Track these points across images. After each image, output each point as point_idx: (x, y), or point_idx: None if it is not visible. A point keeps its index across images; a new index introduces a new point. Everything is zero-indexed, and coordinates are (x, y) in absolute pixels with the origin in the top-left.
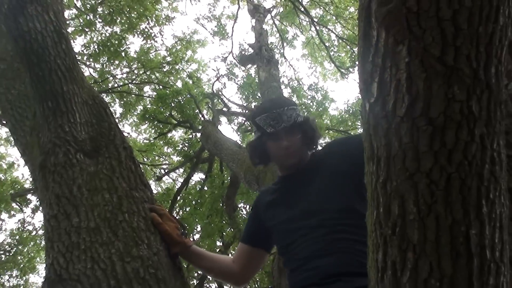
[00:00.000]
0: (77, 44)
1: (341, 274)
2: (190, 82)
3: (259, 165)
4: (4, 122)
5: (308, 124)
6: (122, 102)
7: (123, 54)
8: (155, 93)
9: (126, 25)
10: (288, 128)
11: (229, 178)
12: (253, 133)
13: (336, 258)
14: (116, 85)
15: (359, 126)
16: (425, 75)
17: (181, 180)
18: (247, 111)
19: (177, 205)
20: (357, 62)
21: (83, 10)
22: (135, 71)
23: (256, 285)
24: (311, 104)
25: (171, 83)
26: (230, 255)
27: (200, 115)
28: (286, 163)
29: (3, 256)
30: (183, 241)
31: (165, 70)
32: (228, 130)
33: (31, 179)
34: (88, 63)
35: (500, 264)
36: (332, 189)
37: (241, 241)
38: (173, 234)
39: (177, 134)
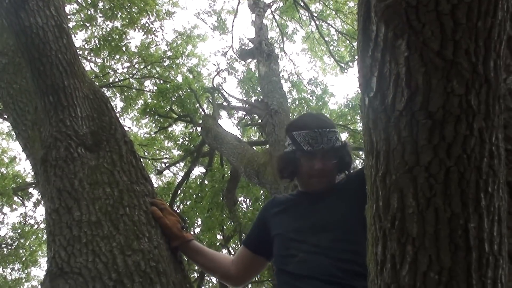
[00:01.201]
0: (78, 39)
1: None
2: (191, 76)
3: (285, 179)
4: (6, 116)
5: (346, 150)
6: (123, 97)
7: (123, 48)
8: (155, 88)
9: (127, 20)
10: (325, 151)
11: (229, 172)
12: (286, 144)
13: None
14: (116, 79)
15: (359, 120)
16: (424, 69)
17: (181, 174)
18: (247, 106)
19: (177, 199)
20: (356, 57)
21: (84, 5)
22: (136, 66)
23: (256, 278)
24: (311, 98)
25: (171, 77)
26: (230, 248)
27: (201, 109)
28: (314, 187)
29: (5, 249)
30: (183, 236)
31: (165, 64)
32: (228, 124)
33: (32, 173)
34: (89, 57)
35: (499, 257)
36: (348, 216)
37: (243, 245)
38: (173, 228)
39: (178, 128)
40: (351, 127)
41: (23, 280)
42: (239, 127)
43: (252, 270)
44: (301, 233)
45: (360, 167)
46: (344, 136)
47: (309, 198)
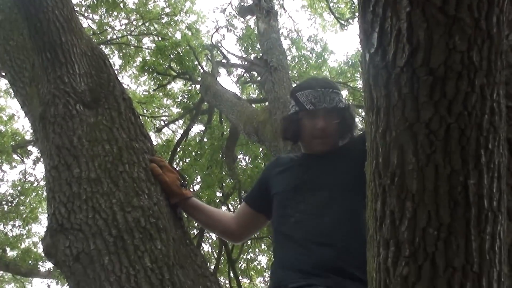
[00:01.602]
0: None
1: (337, 271)
2: (189, 33)
3: (288, 141)
4: (3, 74)
5: (349, 112)
6: (121, 54)
7: (121, 5)
8: (154, 45)
9: None
10: (328, 110)
11: (228, 129)
12: (290, 107)
13: (336, 252)
14: (114, 36)
15: (359, 78)
16: (426, 25)
17: (180, 131)
18: (246, 63)
19: (177, 156)
20: (357, 13)
21: None
22: (134, 23)
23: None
24: (311, 55)
25: (170, 34)
26: (229, 205)
27: (199, 67)
28: (317, 149)
29: (5, 206)
30: (182, 193)
31: (164, 21)
32: (227, 82)
33: (31, 131)
34: (86, 14)
35: (498, 213)
36: (349, 176)
37: (244, 202)
38: (172, 185)
39: (177, 86)
40: (351, 85)
41: (24, 237)
42: (238, 85)
43: (252, 227)
44: (299, 192)
45: (364, 131)
46: (344, 93)
47: (312, 159)
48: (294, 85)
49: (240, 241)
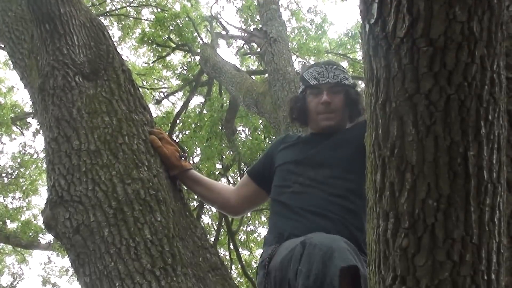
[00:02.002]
0: None
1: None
2: (189, 5)
3: (296, 121)
4: (2, 45)
5: (353, 91)
6: (120, 25)
7: None
8: (153, 16)
9: None
10: (331, 85)
11: (228, 101)
12: (299, 91)
13: (331, 223)
14: (113, 8)
15: (358, 49)
16: None
17: (180, 103)
18: (245, 34)
19: (176, 128)
20: None
21: None
22: None
23: None
24: (310, 27)
25: (169, 6)
26: (229, 177)
27: (199, 38)
28: (322, 124)
29: (5, 178)
30: (181, 165)
31: None
32: (227, 53)
33: (31, 103)
34: None
35: (497, 184)
36: (350, 155)
37: (248, 174)
38: (171, 157)
39: (176, 57)
40: (351, 56)
41: (24, 209)
42: (237, 56)
43: (252, 202)
44: (300, 166)
45: None
46: (344, 64)
47: (317, 138)
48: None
49: (239, 215)
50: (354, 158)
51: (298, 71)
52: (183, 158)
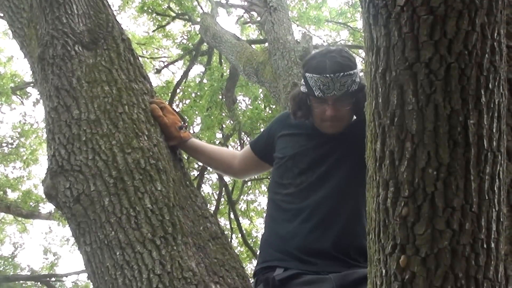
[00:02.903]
0: None
1: (318, 253)
2: None
3: (300, 119)
4: (1, 14)
5: (362, 93)
6: None
7: None
8: None
9: None
10: (337, 97)
11: (228, 70)
12: (300, 83)
13: (320, 231)
14: None
15: (359, 18)
16: None
17: (180, 73)
18: (245, 3)
19: (176, 98)
20: None
21: None
22: None
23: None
24: None
25: None
26: (229, 147)
27: (199, 7)
28: (327, 131)
29: (5, 148)
30: (180, 136)
31: None
32: (227, 22)
33: (30, 72)
34: None
35: (497, 153)
36: (351, 158)
37: (250, 147)
38: (171, 127)
39: (176, 26)
40: (351, 25)
41: (25, 179)
42: (237, 25)
43: (254, 170)
44: (299, 162)
45: None
46: (344, 34)
47: (320, 134)
48: (307, 58)
49: (242, 178)
50: (353, 158)
51: (298, 40)
52: (183, 129)
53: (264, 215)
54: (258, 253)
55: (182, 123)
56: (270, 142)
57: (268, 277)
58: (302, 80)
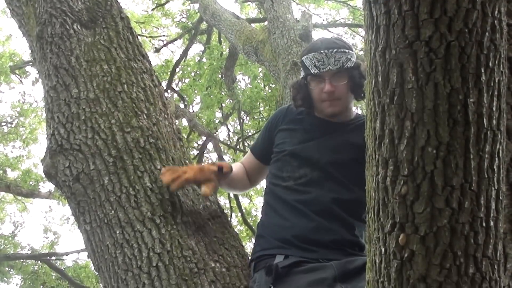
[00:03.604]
0: None
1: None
2: None
3: (301, 107)
4: None
5: (358, 71)
6: None
7: None
8: None
9: None
10: (333, 72)
11: (227, 49)
12: (300, 72)
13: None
14: None
15: None
16: None
17: (179, 51)
18: None
19: (176, 77)
20: None
21: None
22: None
23: None
24: None
25: None
26: (228, 126)
27: None
28: (327, 111)
29: (5, 127)
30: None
31: None
32: (226, 0)
33: (29, 51)
34: None
35: (497, 132)
36: (350, 155)
37: (251, 152)
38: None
39: (175, 5)
40: (351, 4)
41: (24, 158)
42: (237, 4)
43: (263, 176)
44: (298, 159)
45: None
46: (344, 12)
47: (320, 124)
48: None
49: (255, 186)
50: (350, 157)
51: (297, 19)
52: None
53: (263, 196)
54: (254, 241)
55: (216, 168)
56: (268, 139)
57: (270, 265)
58: (301, 68)
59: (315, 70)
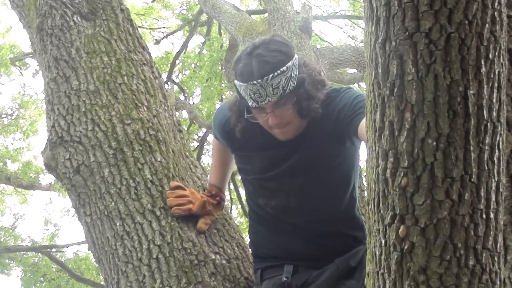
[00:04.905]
0: None
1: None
2: None
3: (242, 132)
4: None
5: (303, 90)
6: None
7: None
8: None
9: None
10: (274, 102)
11: (227, 41)
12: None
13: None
14: None
15: None
16: None
17: (179, 43)
18: None
19: (176, 69)
20: None
21: None
22: None
23: None
24: None
25: None
26: None
27: None
28: (280, 138)
29: (5, 119)
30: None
31: None
32: None
33: (29, 43)
34: None
35: (497, 123)
36: (316, 160)
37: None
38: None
39: None
40: None
41: (24, 150)
42: None
43: None
44: (267, 190)
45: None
46: (344, 4)
47: (271, 146)
48: (234, 59)
49: None
50: (317, 155)
51: (297, 11)
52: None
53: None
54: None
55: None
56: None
57: (288, 283)
58: (236, 94)
59: (253, 103)
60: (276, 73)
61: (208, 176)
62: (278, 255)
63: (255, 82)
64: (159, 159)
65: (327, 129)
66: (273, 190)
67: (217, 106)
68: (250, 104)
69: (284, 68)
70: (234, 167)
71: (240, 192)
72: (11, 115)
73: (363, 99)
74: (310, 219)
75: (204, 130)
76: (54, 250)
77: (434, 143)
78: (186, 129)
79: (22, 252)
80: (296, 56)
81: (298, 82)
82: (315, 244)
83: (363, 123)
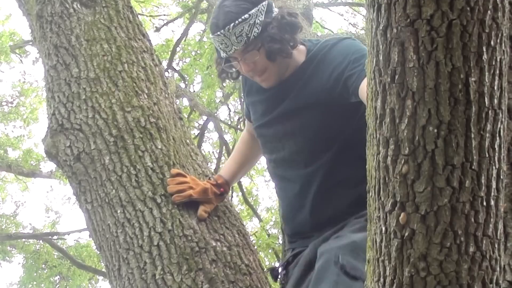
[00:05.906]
0: None
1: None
2: None
3: (232, 79)
4: None
5: (269, 35)
6: None
7: None
8: None
9: None
10: (241, 50)
11: None
12: None
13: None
14: None
15: None
16: None
17: (180, 31)
18: None
19: (176, 56)
20: None
21: None
22: None
23: None
24: None
25: None
26: (229, 105)
27: None
28: (263, 86)
29: (5, 107)
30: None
31: None
32: None
33: (29, 31)
34: None
35: (498, 111)
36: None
37: (247, 118)
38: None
39: None
40: None
41: (25, 137)
42: None
43: None
44: (265, 128)
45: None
46: None
47: (275, 96)
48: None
49: None
50: (317, 120)
51: None
52: (217, 186)
53: (265, 173)
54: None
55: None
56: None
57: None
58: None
59: (223, 53)
60: (237, 21)
61: (209, 164)
62: (288, 234)
63: (218, 33)
64: (159, 147)
65: (323, 80)
66: (271, 140)
67: (218, 93)
68: (222, 55)
69: (246, 15)
70: (250, 168)
71: (240, 180)
72: (12, 102)
73: (359, 48)
74: (303, 174)
75: (204, 118)
76: (55, 237)
77: (435, 130)
78: (186, 116)
79: (23, 240)
80: (265, 2)
81: (262, 27)
82: (315, 210)
83: (363, 84)
